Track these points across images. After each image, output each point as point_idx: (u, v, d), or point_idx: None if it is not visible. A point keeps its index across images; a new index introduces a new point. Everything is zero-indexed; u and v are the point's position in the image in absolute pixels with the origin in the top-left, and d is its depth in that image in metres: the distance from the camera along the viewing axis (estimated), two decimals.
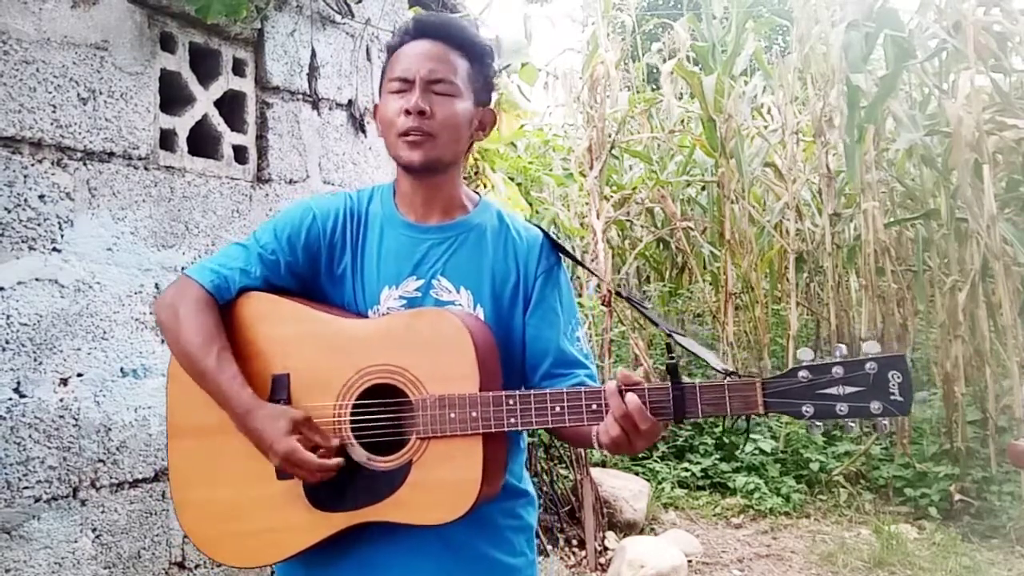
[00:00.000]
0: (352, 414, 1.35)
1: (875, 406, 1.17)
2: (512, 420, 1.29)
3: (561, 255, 1.54)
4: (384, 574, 1.40)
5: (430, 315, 1.37)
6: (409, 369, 1.33)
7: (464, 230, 1.48)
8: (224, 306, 1.42)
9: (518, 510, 1.50)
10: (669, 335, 1.36)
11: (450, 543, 1.39)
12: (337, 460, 1.32)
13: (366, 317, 1.44)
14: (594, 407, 1.27)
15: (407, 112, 1.38)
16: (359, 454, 1.34)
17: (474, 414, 1.29)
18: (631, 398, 1.22)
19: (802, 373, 1.20)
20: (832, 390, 1.19)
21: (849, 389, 1.18)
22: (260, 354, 1.40)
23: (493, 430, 1.29)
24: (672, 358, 1.27)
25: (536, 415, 1.29)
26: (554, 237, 1.54)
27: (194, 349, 1.36)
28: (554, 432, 1.49)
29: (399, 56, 1.44)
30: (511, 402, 1.29)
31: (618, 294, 1.65)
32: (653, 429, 1.23)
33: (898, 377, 1.17)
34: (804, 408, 1.20)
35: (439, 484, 1.30)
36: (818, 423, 1.21)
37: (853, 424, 1.22)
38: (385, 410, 1.34)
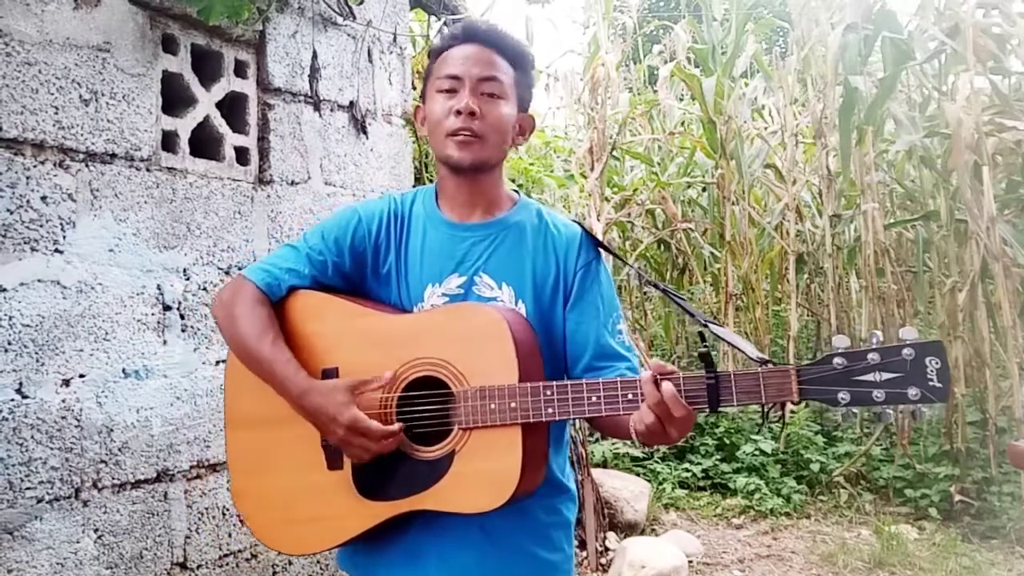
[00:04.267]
0: (398, 405, 1.39)
1: (912, 392, 1.16)
2: (550, 410, 1.32)
3: (601, 250, 1.57)
4: (428, 563, 1.44)
5: (469, 309, 1.42)
6: (452, 362, 1.38)
7: (504, 227, 1.51)
8: (276, 304, 1.48)
9: (559, 506, 1.53)
10: (706, 324, 1.37)
11: (492, 535, 1.43)
12: (399, 425, 1.36)
13: (411, 313, 1.49)
14: (630, 396, 1.29)
15: (457, 112, 1.43)
16: (405, 444, 1.39)
17: (513, 405, 1.32)
18: (666, 386, 1.24)
19: (837, 360, 1.19)
20: (868, 376, 1.18)
21: (885, 375, 1.17)
22: (310, 348, 1.46)
23: (532, 420, 1.32)
24: (705, 346, 1.29)
25: (573, 405, 1.31)
26: (593, 232, 1.57)
27: (249, 340, 1.43)
28: (593, 423, 1.52)
29: (447, 57, 1.48)
30: (549, 392, 1.32)
31: (654, 285, 1.68)
32: (687, 417, 1.25)
33: (936, 363, 1.16)
34: (840, 395, 1.19)
35: (480, 473, 1.34)
36: (854, 410, 1.20)
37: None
38: (429, 401, 1.38)
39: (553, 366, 1.46)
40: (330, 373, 1.44)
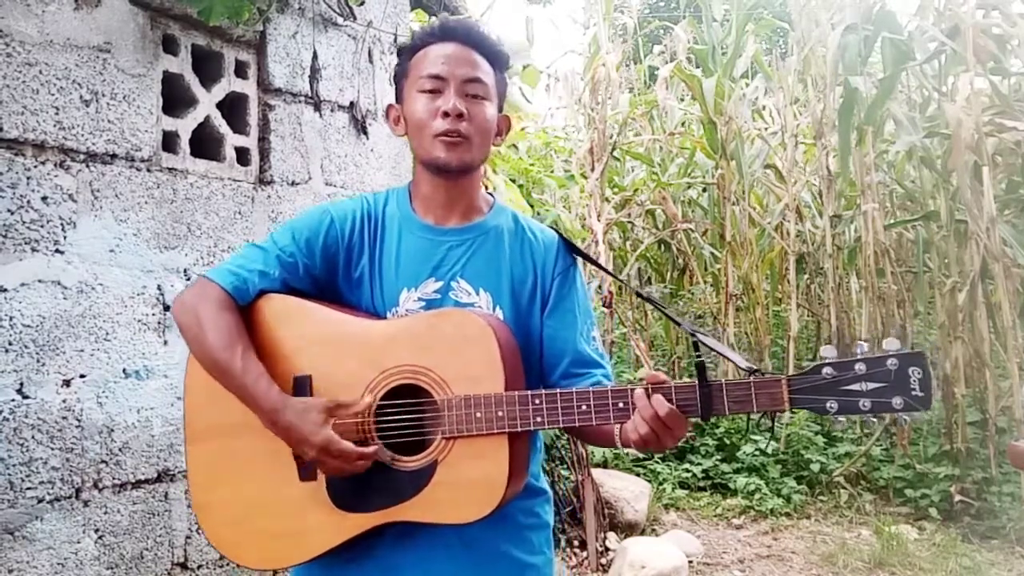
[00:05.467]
0: (376, 415, 1.35)
1: (896, 401, 1.19)
2: (538, 419, 1.29)
3: (576, 256, 1.55)
4: (404, 573, 1.40)
5: (454, 315, 1.38)
6: (433, 369, 1.34)
7: (482, 232, 1.49)
8: (244, 308, 1.41)
9: (536, 508, 1.52)
10: (692, 334, 1.36)
11: (470, 542, 1.40)
12: (374, 448, 1.32)
13: (384, 319, 1.44)
14: (621, 405, 1.28)
15: (444, 114, 1.39)
16: (384, 455, 1.35)
17: (500, 413, 1.29)
18: (659, 399, 1.24)
19: (826, 370, 1.22)
20: (855, 386, 1.21)
21: (871, 385, 1.21)
22: (281, 356, 1.40)
23: (519, 429, 1.30)
24: (699, 356, 1.29)
25: (563, 414, 1.29)
26: (569, 239, 1.55)
27: (217, 351, 1.35)
28: (574, 431, 1.49)
29: (427, 56, 1.44)
30: (537, 401, 1.29)
31: (638, 294, 1.66)
32: (681, 427, 1.25)
33: (918, 373, 1.19)
34: (828, 404, 1.22)
35: (466, 483, 1.31)
36: (841, 418, 1.23)
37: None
38: (409, 410, 1.35)
39: (528, 372, 1.42)
40: (303, 381, 1.38)
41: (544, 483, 1.56)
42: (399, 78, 1.51)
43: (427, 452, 1.33)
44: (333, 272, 1.48)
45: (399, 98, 1.52)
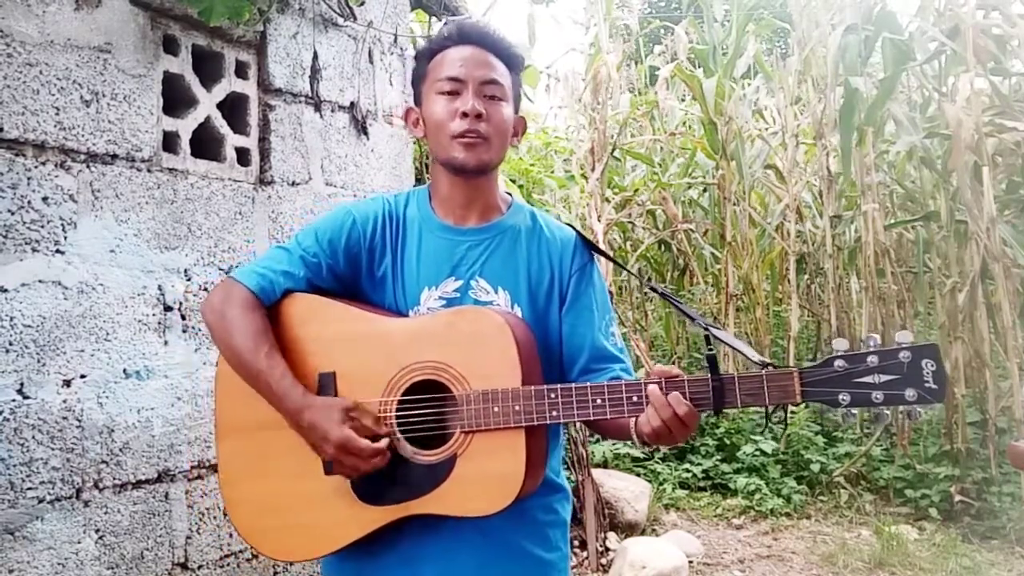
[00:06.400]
0: (397, 410, 1.39)
1: (910, 393, 1.20)
2: (554, 413, 1.32)
3: (594, 253, 1.58)
4: (425, 566, 1.44)
5: (472, 313, 1.41)
6: (453, 365, 1.37)
7: (500, 231, 1.52)
8: (270, 307, 1.46)
9: (555, 505, 1.54)
10: (707, 328, 1.38)
11: (489, 537, 1.43)
12: (385, 441, 1.35)
13: (407, 317, 1.48)
14: (635, 399, 1.30)
15: (463, 114, 1.43)
16: (405, 449, 1.38)
17: (517, 408, 1.32)
18: (676, 396, 1.26)
19: (838, 362, 1.23)
20: (868, 379, 1.22)
21: (884, 377, 1.21)
22: (306, 353, 1.44)
23: (536, 423, 1.33)
24: (711, 350, 1.31)
25: (578, 408, 1.32)
26: (586, 236, 1.58)
27: (244, 350, 1.40)
28: (592, 425, 1.51)
29: (445, 59, 1.48)
30: (553, 395, 1.32)
31: (652, 288, 1.69)
32: (693, 420, 1.27)
33: (931, 365, 1.20)
34: (841, 396, 1.23)
35: (484, 476, 1.34)
36: (854, 411, 1.24)
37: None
38: (430, 405, 1.38)
39: (548, 368, 1.46)
40: (327, 377, 1.42)
41: (563, 480, 1.59)
42: (417, 82, 1.55)
43: (447, 446, 1.36)
44: (356, 271, 1.51)
45: (417, 101, 1.55)
